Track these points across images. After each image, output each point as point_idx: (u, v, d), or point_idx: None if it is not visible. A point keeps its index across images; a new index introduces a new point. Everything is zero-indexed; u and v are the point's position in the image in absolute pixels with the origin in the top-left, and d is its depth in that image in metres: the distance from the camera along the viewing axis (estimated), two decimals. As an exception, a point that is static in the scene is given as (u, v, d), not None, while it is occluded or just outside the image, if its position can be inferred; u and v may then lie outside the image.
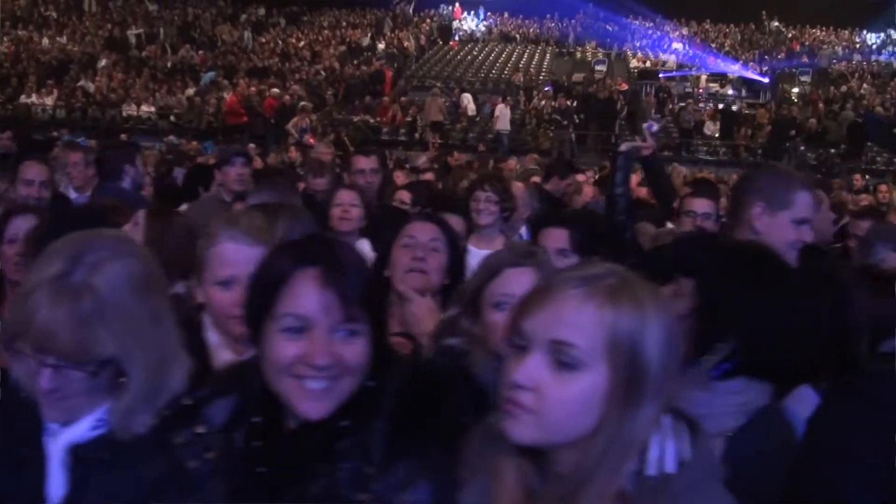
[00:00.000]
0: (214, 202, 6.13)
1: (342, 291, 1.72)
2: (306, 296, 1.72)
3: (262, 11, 38.60)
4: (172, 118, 27.59)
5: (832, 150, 26.82)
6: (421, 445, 1.74)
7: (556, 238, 3.74)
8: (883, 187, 15.21)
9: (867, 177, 22.87)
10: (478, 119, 27.95)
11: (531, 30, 38.41)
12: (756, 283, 2.25)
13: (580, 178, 9.60)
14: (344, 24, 38.26)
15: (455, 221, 4.73)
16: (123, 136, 20.01)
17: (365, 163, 6.57)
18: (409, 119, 27.08)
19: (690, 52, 34.89)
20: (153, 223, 3.47)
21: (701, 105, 30.69)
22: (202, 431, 1.83)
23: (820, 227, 5.12)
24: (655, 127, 7.45)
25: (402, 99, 28.48)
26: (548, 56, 36.09)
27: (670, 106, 30.17)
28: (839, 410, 2.06)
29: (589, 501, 1.54)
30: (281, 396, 1.75)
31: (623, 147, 5.41)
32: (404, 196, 6.66)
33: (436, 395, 1.82)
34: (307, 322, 1.72)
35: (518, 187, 6.52)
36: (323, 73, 31.01)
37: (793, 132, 26.75)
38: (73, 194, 6.99)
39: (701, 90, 32.25)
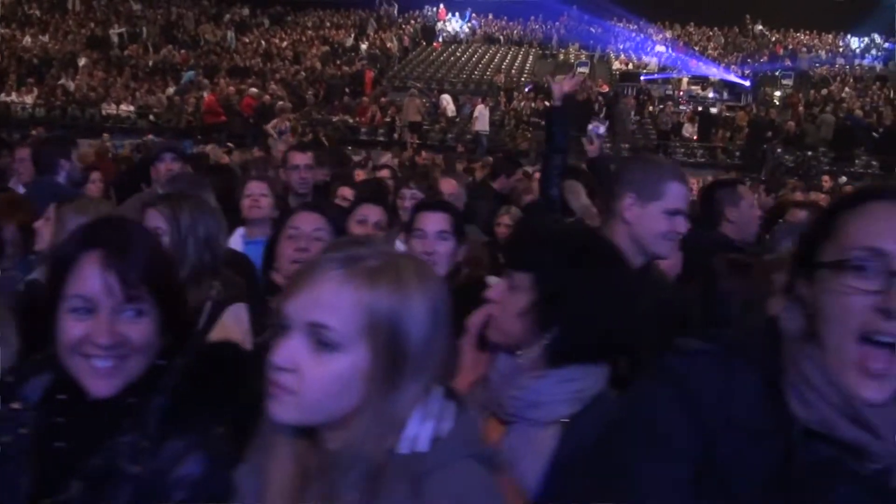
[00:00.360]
0: (147, 198, 6.17)
1: (123, 273, 1.77)
2: (90, 277, 1.78)
3: (245, 11, 38.64)
4: (152, 117, 27.62)
5: (809, 153, 27.01)
6: (200, 421, 1.79)
7: (436, 221, 3.80)
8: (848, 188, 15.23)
9: (843, 178, 23.12)
10: (458, 120, 28.08)
11: (515, 32, 38.51)
12: (578, 268, 2.29)
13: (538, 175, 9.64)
14: (328, 24, 38.40)
15: (374, 212, 4.80)
16: (105, 136, 20.08)
17: (300, 158, 6.51)
18: (387, 119, 27.36)
19: (673, 55, 35.05)
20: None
21: (682, 107, 30.89)
22: (17, 407, 1.89)
23: (743, 224, 5.39)
24: (601, 129, 7.84)
25: (382, 99, 28.73)
26: (531, 58, 36.30)
27: (651, 108, 30.37)
28: (639, 388, 2.09)
29: (352, 479, 1.57)
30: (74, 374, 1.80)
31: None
32: (346, 192, 6.72)
33: (223, 372, 1.87)
34: (92, 303, 1.78)
35: (450, 184, 6.57)
36: (304, 73, 31.05)
37: (769, 134, 26.84)
38: (20, 189, 7.03)
39: (682, 92, 32.47)
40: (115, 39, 34.67)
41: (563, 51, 36.83)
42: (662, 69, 33.94)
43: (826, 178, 19.19)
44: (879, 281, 1.47)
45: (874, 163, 26.78)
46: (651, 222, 3.39)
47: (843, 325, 1.50)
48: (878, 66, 36.71)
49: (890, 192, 1.58)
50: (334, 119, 27.08)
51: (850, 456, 1.51)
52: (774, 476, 1.51)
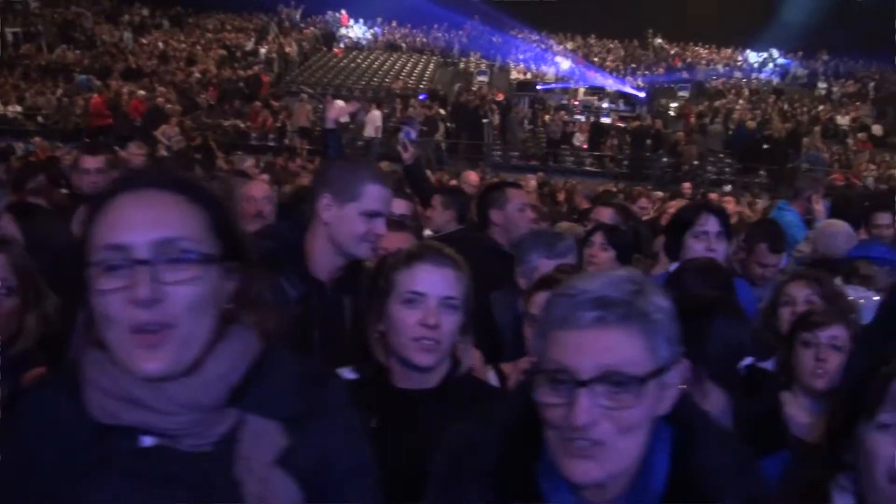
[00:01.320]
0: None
1: None
2: None
3: (145, 12, 39.41)
4: (40, 119, 28.26)
5: (695, 163, 28.91)
6: None
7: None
8: (728, 198, 16.67)
9: (728, 187, 25.03)
10: (351, 126, 29.29)
11: (418, 40, 40.04)
12: None
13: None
14: (229, 27, 39.42)
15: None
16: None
17: (90, 162, 6.50)
18: (278, 125, 28.63)
19: (571, 65, 36.92)
20: None
21: (576, 116, 32.73)
22: None
23: (509, 227, 5.70)
24: (413, 134, 7.99)
25: (274, 104, 29.83)
26: (431, 66, 37.99)
27: (546, 117, 32.10)
28: None
29: None
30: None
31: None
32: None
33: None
34: None
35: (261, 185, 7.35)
36: (198, 75, 31.97)
37: (649, 141, 28.70)
38: None
39: (577, 102, 34.41)
40: (10, 38, 35.15)
41: (464, 59, 38.75)
42: (560, 79, 35.85)
43: (686, 185, 20.59)
44: (127, 275, 1.64)
45: (762, 172, 28.72)
46: (348, 224, 3.50)
47: (112, 322, 1.65)
48: (775, 80, 39.13)
49: (123, 183, 1.76)
50: (225, 123, 28.04)
51: (135, 435, 1.74)
52: (71, 470, 1.72)
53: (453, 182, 12.05)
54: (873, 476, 2.06)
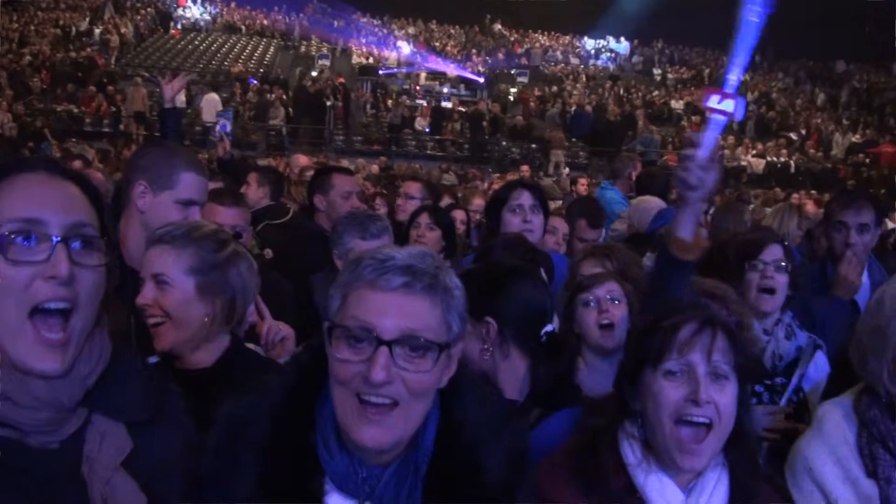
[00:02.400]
0: None
1: None
2: None
3: (-26, -10, 38.62)
4: None
5: (533, 146, 30.89)
6: None
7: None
8: (582, 180, 18.20)
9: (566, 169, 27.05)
10: (189, 111, 29.86)
11: (258, 22, 40.67)
12: None
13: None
14: (63, 6, 39.07)
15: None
16: None
17: None
18: (114, 110, 28.80)
19: (413, 50, 38.60)
20: None
21: (418, 101, 34.23)
22: None
23: (331, 212, 5.83)
24: (228, 126, 8.31)
25: (109, 88, 30.08)
26: (272, 49, 39.16)
27: (389, 102, 33.55)
28: None
29: None
30: None
31: None
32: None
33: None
34: None
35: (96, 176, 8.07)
36: (30, 57, 31.97)
37: (484, 124, 30.54)
38: None
39: (419, 87, 35.98)
40: None
41: (305, 43, 40.12)
42: (401, 64, 37.55)
43: (525, 167, 22.29)
44: (42, 250, 1.74)
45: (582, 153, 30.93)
46: (163, 211, 3.53)
47: (11, 296, 1.73)
48: (612, 67, 41.74)
49: (18, 164, 1.85)
50: (59, 109, 28.14)
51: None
52: None
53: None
54: (660, 418, 2.30)
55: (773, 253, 3.96)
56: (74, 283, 1.77)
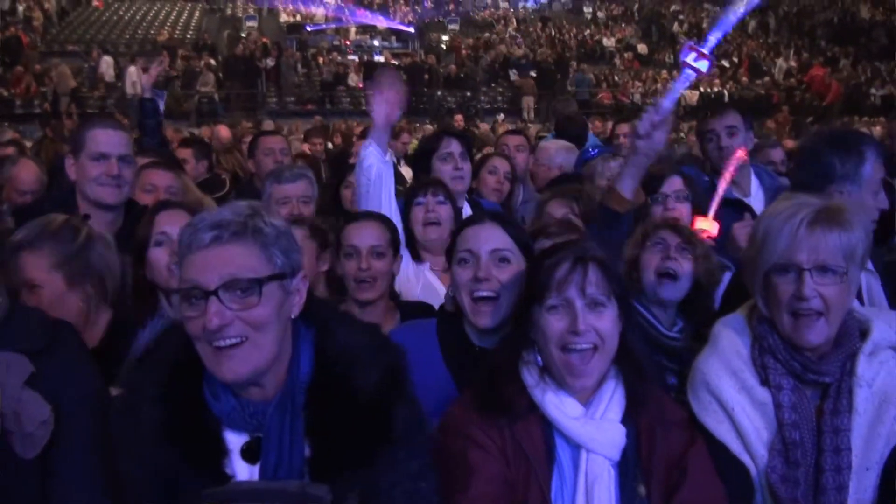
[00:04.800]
0: None
1: None
2: None
3: None
4: None
5: (468, 94, 31.43)
6: None
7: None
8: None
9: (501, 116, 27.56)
10: (119, 84, 29.86)
11: (181, -15, 40.46)
12: None
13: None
14: (-17, -15, 38.24)
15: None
16: None
17: None
18: (44, 89, 28.50)
19: (340, 4, 38.65)
20: None
21: (350, 57, 34.45)
22: None
23: (259, 172, 6.47)
24: (162, 105, 8.40)
25: (37, 67, 29.78)
26: (197, 13, 39.01)
27: (321, 59, 33.75)
28: None
29: None
30: None
31: None
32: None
33: None
34: None
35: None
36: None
37: (426, 77, 30.93)
38: None
39: (349, 42, 36.20)
40: None
41: (231, 5, 40.02)
42: (329, 19, 37.70)
43: (459, 116, 22.85)
44: None
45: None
46: (84, 172, 4.15)
47: None
48: (543, 8, 42.19)
49: None
50: None
51: None
52: None
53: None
54: (549, 348, 2.60)
55: (673, 184, 4.24)
56: None
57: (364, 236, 3.93)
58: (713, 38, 3.54)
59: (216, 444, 2.27)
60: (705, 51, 3.50)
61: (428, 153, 5.22)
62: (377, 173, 4.42)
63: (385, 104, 4.39)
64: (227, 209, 2.25)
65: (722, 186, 4.24)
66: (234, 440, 2.29)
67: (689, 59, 3.52)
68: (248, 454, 2.28)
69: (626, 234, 3.62)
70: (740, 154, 4.72)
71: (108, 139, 4.11)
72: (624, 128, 8.08)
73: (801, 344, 2.69)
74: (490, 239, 3.20)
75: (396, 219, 4.38)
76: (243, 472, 2.27)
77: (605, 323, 2.58)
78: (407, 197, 4.63)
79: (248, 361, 2.19)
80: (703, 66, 3.51)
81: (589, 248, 2.68)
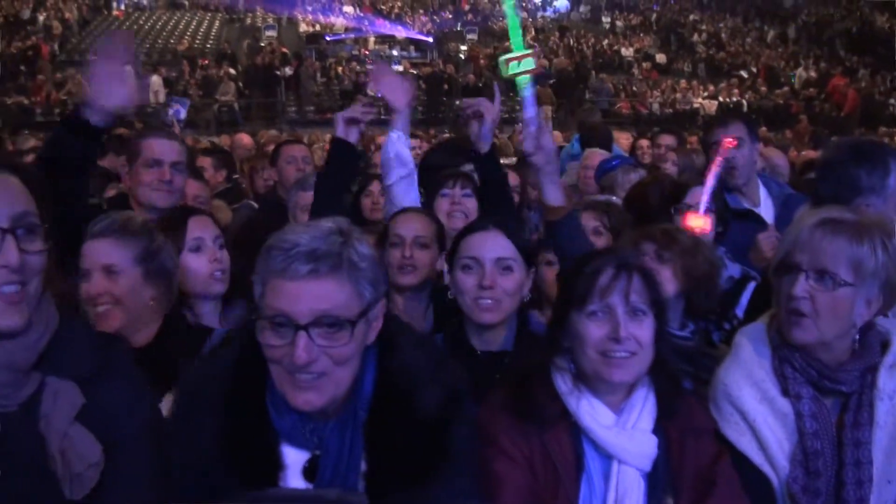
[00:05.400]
0: None
1: None
2: None
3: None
4: None
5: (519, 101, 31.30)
6: None
7: None
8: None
9: (519, 125, 27.41)
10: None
11: (201, -3, 40.67)
12: None
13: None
14: (6, -5, 38.44)
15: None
16: None
17: None
18: (64, 98, 28.29)
19: (359, 14, 38.94)
20: None
21: (368, 66, 34.39)
22: None
23: (282, 180, 6.51)
24: (182, 112, 8.84)
25: (57, 76, 29.82)
26: (217, 23, 39.08)
27: (339, 69, 33.83)
28: None
29: None
30: None
31: None
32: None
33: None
34: None
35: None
36: (-29, 50, 31.67)
37: (446, 87, 30.95)
38: None
39: (368, 52, 36.23)
40: None
41: (250, 15, 39.96)
42: (349, 29, 37.76)
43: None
44: None
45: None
46: (138, 178, 4.26)
47: None
48: (561, 17, 42.18)
49: None
50: (9, 101, 27.78)
51: None
52: None
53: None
54: (586, 352, 2.56)
55: (696, 195, 4.16)
56: (25, 267, 1.98)
57: (409, 227, 3.94)
58: (515, 42, 3.55)
59: (273, 459, 2.26)
60: (519, 53, 3.51)
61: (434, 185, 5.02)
62: (404, 160, 4.38)
63: (395, 89, 4.36)
64: (319, 234, 2.18)
65: (709, 179, 4.16)
66: (292, 455, 2.29)
67: (513, 69, 3.52)
68: (309, 473, 2.28)
69: (579, 234, 3.60)
70: (728, 142, 4.64)
71: (161, 147, 4.22)
72: (667, 139, 8.25)
73: (790, 341, 2.72)
74: (495, 247, 3.26)
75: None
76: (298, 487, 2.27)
77: (645, 332, 2.57)
78: (432, 188, 4.65)
79: (325, 393, 2.18)
80: (528, 64, 3.52)
81: (630, 255, 2.70)
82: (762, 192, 5.19)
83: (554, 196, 3.55)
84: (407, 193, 4.45)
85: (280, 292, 2.13)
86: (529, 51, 3.51)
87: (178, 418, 2.34)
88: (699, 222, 3.99)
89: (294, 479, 2.27)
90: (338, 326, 2.14)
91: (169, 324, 3.28)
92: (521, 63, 3.50)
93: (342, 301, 2.15)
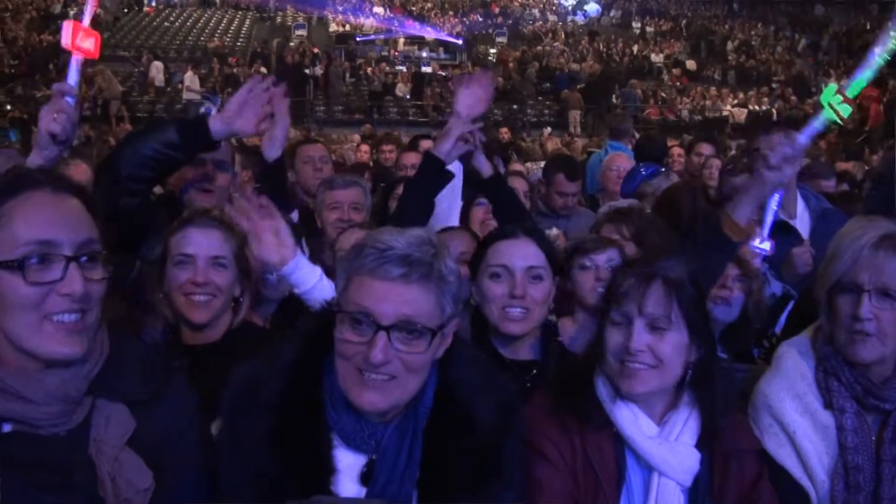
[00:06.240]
0: None
1: None
2: None
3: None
4: None
5: (514, 106, 31.37)
6: None
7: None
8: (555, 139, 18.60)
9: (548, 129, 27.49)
10: (168, 89, 30.18)
11: (232, -7, 40.90)
12: None
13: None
14: (37, -11, 38.74)
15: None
16: None
17: None
18: (93, 93, 28.64)
19: (389, 15, 38.81)
20: None
21: (398, 67, 34.56)
22: None
23: (300, 180, 6.43)
24: (213, 110, 8.54)
25: (87, 71, 29.95)
26: (248, 21, 39.27)
27: (369, 69, 33.95)
28: None
29: None
30: None
31: None
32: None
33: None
34: None
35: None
36: (3, 44, 31.98)
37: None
38: None
39: (397, 53, 36.27)
40: None
41: (280, 13, 40.11)
42: (379, 30, 37.95)
43: (504, 129, 22.79)
44: (56, 268, 1.97)
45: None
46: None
47: (29, 309, 1.97)
48: (591, 22, 42.12)
49: (24, 182, 2.03)
50: (38, 95, 27.59)
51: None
52: None
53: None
54: (607, 360, 2.58)
55: None
56: (88, 296, 2.00)
57: (452, 246, 3.63)
58: (856, 84, 3.42)
59: (326, 462, 2.26)
60: (848, 94, 3.38)
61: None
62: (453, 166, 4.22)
63: (470, 97, 4.20)
64: (413, 241, 2.19)
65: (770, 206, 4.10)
66: (348, 458, 2.28)
67: (834, 101, 3.39)
68: (365, 477, 2.27)
69: (727, 262, 3.51)
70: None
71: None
72: (706, 148, 8.16)
73: (852, 359, 2.67)
74: (526, 256, 3.24)
75: (455, 216, 4.40)
76: (351, 492, 2.26)
77: (666, 346, 2.52)
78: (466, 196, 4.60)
79: (390, 397, 2.19)
80: (845, 110, 3.38)
81: (662, 266, 2.61)
82: (800, 205, 5.12)
83: (746, 217, 3.37)
84: (448, 215, 4.42)
85: (367, 290, 2.15)
86: (853, 102, 3.40)
87: (229, 420, 2.32)
88: (766, 246, 4.01)
89: (348, 483, 2.27)
90: (417, 334, 2.16)
91: (239, 323, 3.32)
92: (842, 103, 3.39)
93: (426, 310, 2.18)
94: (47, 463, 1.99)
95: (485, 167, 4.17)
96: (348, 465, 2.27)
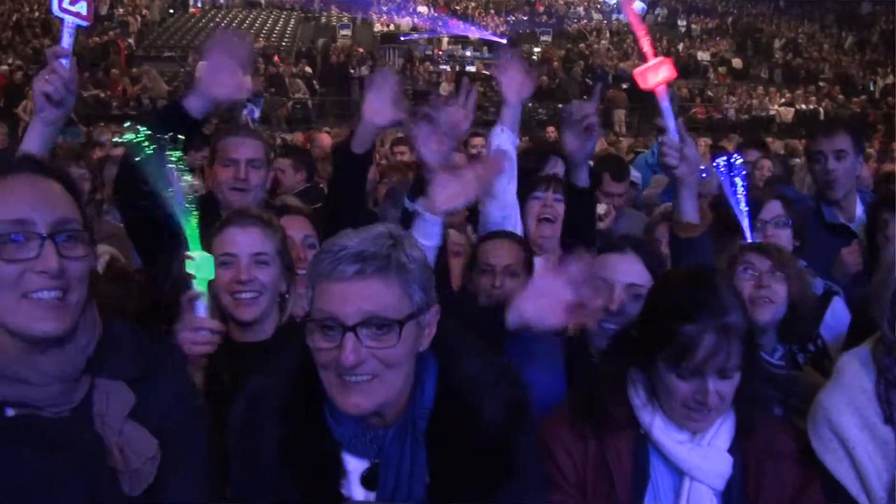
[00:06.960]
0: None
1: None
2: None
3: (-8, -22, 39.03)
4: None
5: (560, 105, 31.22)
6: None
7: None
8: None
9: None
10: (212, 88, 30.26)
11: (277, -7, 41.12)
12: None
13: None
14: (84, -10, 39.01)
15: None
16: None
17: None
18: (139, 92, 29.01)
19: (434, 14, 39.06)
20: None
21: (442, 66, 34.57)
22: None
23: None
24: (256, 112, 8.60)
25: (133, 71, 30.46)
26: (293, 22, 39.46)
27: (417, 68, 34.00)
28: None
29: None
30: None
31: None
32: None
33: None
34: None
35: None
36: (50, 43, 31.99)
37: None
38: None
39: (441, 52, 36.29)
40: None
41: (325, 14, 40.29)
42: (423, 29, 37.92)
43: (551, 129, 22.70)
44: (31, 247, 1.97)
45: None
46: (218, 178, 4.17)
47: (6, 287, 1.97)
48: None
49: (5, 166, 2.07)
50: (85, 94, 28.01)
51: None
52: None
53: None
54: (670, 402, 2.52)
55: (772, 210, 4.11)
56: (65, 273, 1.99)
57: (500, 256, 3.81)
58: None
59: (335, 467, 2.25)
60: None
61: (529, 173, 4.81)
62: (507, 156, 4.06)
63: (513, 81, 4.17)
64: (368, 238, 2.17)
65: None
66: (353, 464, 2.27)
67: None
68: (368, 481, 2.26)
69: (709, 255, 3.41)
70: None
71: (235, 145, 4.17)
72: (752, 154, 7.84)
73: None
74: (630, 272, 3.18)
75: (515, 212, 4.28)
76: (360, 497, 2.26)
77: (730, 388, 2.48)
78: (522, 190, 4.48)
79: (374, 396, 2.15)
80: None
81: (732, 316, 2.48)
82: (859, 209, 5.03)
83: (691, 212, 3.36)
84: (506, 192, 4.23)
85: (328, 295, 2.13)
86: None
87: (239, 435, 2.34)
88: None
89: (356, 488, 2.27)
90: (386, 327, 2.13)
91: (286, 322, 3.34)
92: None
93: (390, 302, 2.14)
94: (55, 443, 2.01)
95: (583, 178, 4.05)
96: (354, 470, 2.27)
